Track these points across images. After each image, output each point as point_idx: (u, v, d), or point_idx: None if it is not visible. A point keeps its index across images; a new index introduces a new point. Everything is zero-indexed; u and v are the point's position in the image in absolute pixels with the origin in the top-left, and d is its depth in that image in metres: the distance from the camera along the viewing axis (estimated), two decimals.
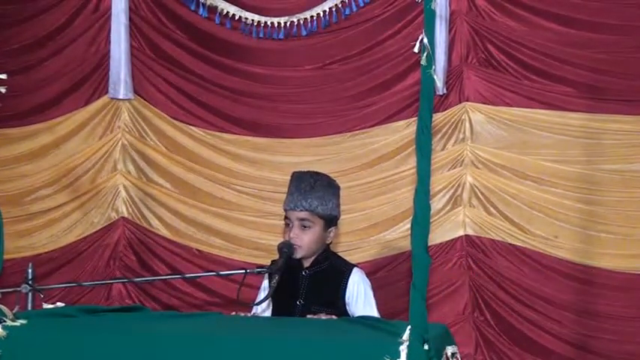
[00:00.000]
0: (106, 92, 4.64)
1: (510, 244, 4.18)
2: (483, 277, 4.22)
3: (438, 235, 4.24)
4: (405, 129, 4.31)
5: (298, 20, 4.39)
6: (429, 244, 2.31)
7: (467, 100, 4.23)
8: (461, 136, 4.25)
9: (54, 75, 4.70)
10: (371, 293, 3.21)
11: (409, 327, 2.04)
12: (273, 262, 3.19)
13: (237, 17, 4.47)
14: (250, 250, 4.48)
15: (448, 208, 4.26)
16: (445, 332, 2.40)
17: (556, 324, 4.11)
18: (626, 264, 4.03)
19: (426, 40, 2.07)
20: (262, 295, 3.24)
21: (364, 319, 2.58)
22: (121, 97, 4.59)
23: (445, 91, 4.22)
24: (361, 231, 4.35)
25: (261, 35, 4.45)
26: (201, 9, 4.50)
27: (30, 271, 3.43)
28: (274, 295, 3.01)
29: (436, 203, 4.22)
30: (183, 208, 4.60)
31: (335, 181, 3.30)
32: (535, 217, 4.15)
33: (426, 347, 2.03)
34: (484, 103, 4.22)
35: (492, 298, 4.20)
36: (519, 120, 4.17)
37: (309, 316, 3.03)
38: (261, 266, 3.13)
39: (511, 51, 4.17)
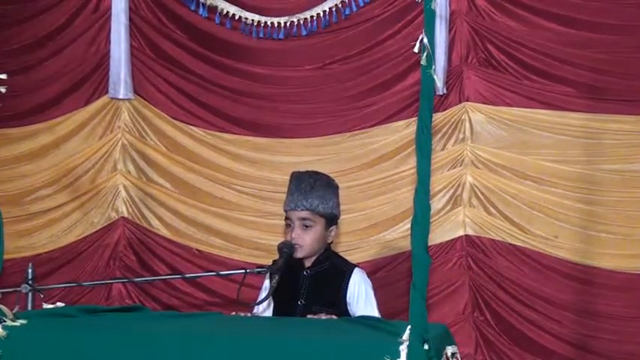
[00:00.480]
0: (106, 92, 4.64)
1: (510, 244, 4.18)
2: (483, 277, 4.22)
3: (438, 235, 4.24)
4: (405, 129, 4.31)
5: (298, 20, 4.39)
6: (429, 244, 2.31)
7: (467, 100, 4.23)
8: (461, 136, 4.25)
9: (54, 75, 4.70)
10: (372, 293, 3.22)
11: (409, 327, 2.04)
12: (274, 261, 3.19)
13: (237, 17, 4.47)
14: (250, 250, 4.48)
15: (448, 208, 4.26)
16: (445, 332, 2.40)
17: (556, 324, 4.11)
18: (626, 264, 4.03)
19: (426, 40, 2.07)
20: (263, 295, 3.24)
21: (364, 319, 2.58)
22: (121, 97, 4.60)
23: (445, 91, 4.22)
24: (361, 231, 4.35)
25: (261, 35, 4.45)
26: (201, 9, 4.50)
27: (30, 271, 3.43)
28: (275, 295, 3.01)
29: (436, 203, 4.23)
30: (183, 208, 4.61)
31: (334, 180, 3.30)
32: (535, 217, 4.15)
33: (426, 347, 2.03)
34: (484, 103, 4.22)
35: (492, 298, 4.20)
36: (519, 120, 4.17)
37: (309, 316, 3.03)
38: (261, 266, 3.13)
39: (511, 51, 4.17)
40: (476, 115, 4.23)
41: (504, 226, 4.18)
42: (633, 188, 4.04)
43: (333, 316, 2.95)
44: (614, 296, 4.05)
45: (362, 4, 4.31)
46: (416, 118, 2.69)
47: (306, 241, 3.16)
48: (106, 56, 4.62)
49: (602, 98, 4.05)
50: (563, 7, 4.09)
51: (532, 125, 4.16)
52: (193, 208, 4.59)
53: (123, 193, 4.72)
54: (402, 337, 2.04)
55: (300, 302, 3.17)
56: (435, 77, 2.10)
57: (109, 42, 4.59)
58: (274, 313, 3.21)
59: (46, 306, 2.56)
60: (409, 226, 2.40)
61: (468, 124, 4.24)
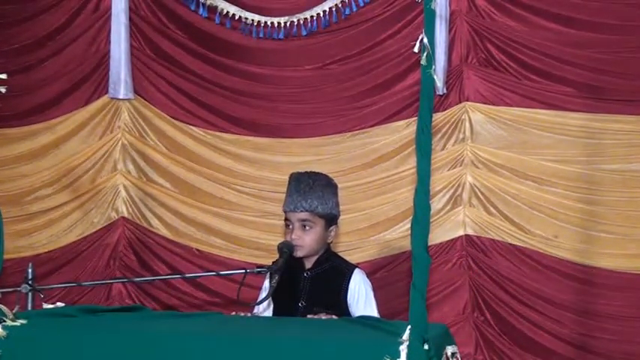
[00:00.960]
0: (106, 92, 4.64)
1: (510, 244, 4.18)
2: (483, 277, 4.22)
3: (438, 235, 4.24)
4: (405, 129, 4.31)
5: (298, 20, 4.39)
6: (429, 244, 2.31)
7: (467, 100, 4.23)
8: (461, 135, 4.25)
9: (54, 75, 4.70)
10: (372, 294, 3.21)
11: (409, 327, 2.04)
12: (274, 262, 3.19)
13: (237, 17, 4.47)
14: (250, 250, 4.48)
15: (448, 208, 4.26)
16: (445, 332, 2.40)
17: (556, 324, 4.11)
18: (626, 264, 4.03)
19: (426, 40, 2.07)
20: (263, 295, 3.24)
21: (364, 319, 2.58)
22: (121, 97, 4.60)
23: (445, 91, 4.22)
24: (361, 231, 4.35)
25: (261, 35, 4.45)
26: (201, 9, 4.50)
27: (30, 271, 3.44)
28: (276, 297, 3.01)
29: (436, 203, 4.23)
30: (183, 208, 4.61)
31: (333, 180, 3.30)
32: (535, 217, 4.15)
33: (426, 347, 2.03)
34: (484, 103, 4.22)
35: (492, 298, 4.20)
36: (519, 120, 4.17)
37: (309, 316, 3.03)
38: (261, 266, 3.13)
39: (511, 51, 4.17)
40: (476, 115, 4.23)
41: (504, 226, 4.18)
42: (633, 188, 4.03)
43: (333, 316, 2.95)
44: (614, 296, 4.05)
45: (362, 4, 4.31)
46: (416, 118, 2.69)
47: (306, 242, 3.16)
48: (106, 56, 4.63)
49: (602, 98, 4.05)
50: (563, 7, 4.09)
51: (532, 125, 4.16)
52: (193, 208, 4.59)
53: (123, 193, 4.72)
54: (402, 337, 2.04)
55: (301, 304, 3.17)
56: (435, 77, 2.10)
57: (109, 42, 4.59)
58: (274, 314, 3.21)
59: (46, 306, 2.56)
60: (409, 226, 2.41)
61: (467, 124, 4.24)
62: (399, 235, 4.30)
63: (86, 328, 2.37)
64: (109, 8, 4.58)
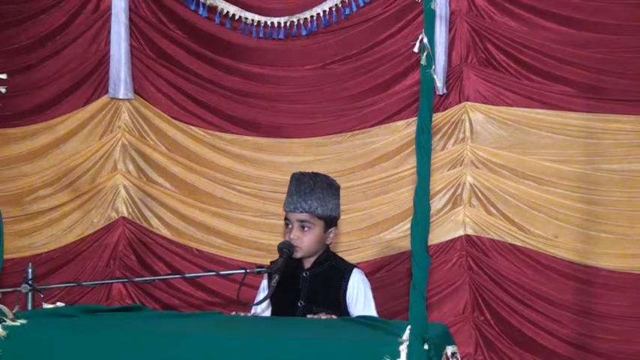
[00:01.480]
0: (106, 92, 4.64)
1: (510, 243, 4.18)
2: (483, 277, 4.22)
3: (438, 235, 4.24)
4: (405, 129, 4.31)
5: (298, 20, 4.39)
6: (429, 244, 2.32)
7: (467, 100, 4.23)
8: (461, 135, 4.25)
9: (54, 75, 4.70)
10: (371, 294, 3.21)
11: (409, 327, 2.04)
12: (272, 262, 3.19)
13: (237, 17, 4.47)
14: (250, 250, 4.48)
15: (448, 207, 4.27)
16: (445, 332, 2.40)
17: (556, 324, 4.11)
18: (626, 264, 4.03)
19: (426, 40, 2.07)
20: (261, 295, 3.24)
21: (364, 319, 2.58)
22: (121, 97, 4.60)
23: (445, 91, 4.22)
24: (361, 231, 4.35)
25: (261, 35, 4.45)
26: (201, 9, 4.51)
27: (30, 271, 3.44)
28: (274, 297, 3.01)
29: (436, 203, 4.23)
30: (183, 208, 4.61)
31: (335, 181, 3.29)
32: (535, 217, 4.15)
33: (425, 347, 2.03)
34: (484, 103, 4.22)
35: (492, 298, 4.20)
36: (519, 120, 4.17)
37: (309, 316, 3.03)
38: (261, 266, 3.13)
39: (511, 51, 4.17)
40: (476, 115, 4.24)
41: (504, 226, 4.18)
42: (633, 188, 4.04)
43: (333, 316, 2.95)
44: (614, 296, 4.05)
45: (362, 4, 4.31)
46: (416, 118, 2.70)
47: (304, 243, 3.16)
48: (106, 56, 4.63)
49: (602, 98, 4.05)
50: (563, 7, 4.09)
51: (532, 125, 4.16)
52: (193, 208, 4.59)
53: (123, 193, 4.72)
54: (402, 337, 2.04)
55: (300, 303, 3.17)
56: (435, 77, 2.10)
57: (109, 42, 4.59)
58: (273, 313, 3.21)
59: (46, 306, 2.56)
60: (409, 226, 2.41)
61: (467, 124, 4.24)
62: (399, 235, 4.30)
63: (86, 328, 2.37)
64: (109, 8, 4.58)
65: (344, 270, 3.22)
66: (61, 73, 4.70)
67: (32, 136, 4.74)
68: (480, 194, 4.23)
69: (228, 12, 4.48)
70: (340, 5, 4.33)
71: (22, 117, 4.72)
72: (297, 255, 3.15)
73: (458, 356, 2.33)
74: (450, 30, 4.20)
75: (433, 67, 2.09)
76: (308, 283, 3.20)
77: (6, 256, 3.62)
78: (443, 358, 2.23)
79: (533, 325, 4.14)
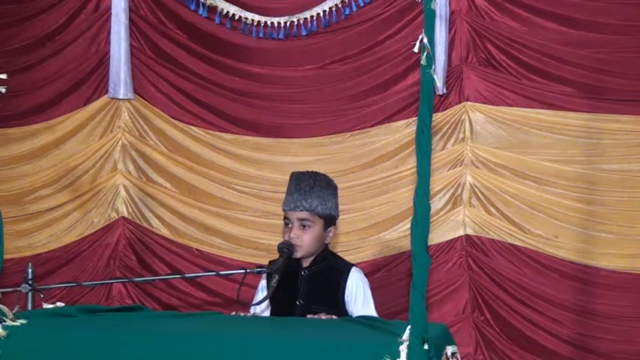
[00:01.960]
0: (106, 92, 4.64)
1: (510, 244, 4.18)
2: (483, 277, 4.22)
3: (438, 235, 4.24)
4: (405, 129, 4.31)
5: (298, 20, 4.39)
6: (429, 244, 2.32)
7: (467, 100, 4.23)
8: (461, 135, 4.25)
9: (54, 75, 4.70)
10: (369, 293, 3.21)
11: (409, 327, 2.04)
12: (271, 261, 3.19)
13: (237, 17, 4.47)
14: (250, 250, 4.48)
15: (448, 207, 4.27)
16: (445, 332, 2.40)
17: (556, 324, 4.11)
18: (626, 264, 4.03)
19: (426, 40, 2.07)
20: (260, 295, 3.24)
21: (364, 319, 2.58)
22: (121, 97, 4.60)
23: (445, 91, 4.22)
24: (361, 231, 4.35)
25: (261, 35, 4.45)
26: (201, 9, 4.51)
27: (30, 271, 3.44)
28: (273, 295, 3.01)
29: (436, 203, 4.23)
30: (183, 208, 4.61)
31: (333, 180, 3.29)
32: (535, 217, 4.15)
33: (425, 347, 2.03)
34: (484, 103, 4.22)
35: (492, 298, 4.20)
36: (519, 120, 4.17)
37: (309, 316, 3.03)
38: (261, 266, 3.13)
39: (511, 51, 4.17)
40: (476, 114, 4.24)
41: (504, 226, 4.18)
42: (633, 188, 4.04)
43: (333, 316, 2.95)
44: (614, 296, 4.05)
45: (362, 4, 4.31)
46: (416, 118, 2.70)
47: (304, 241, 3.16)
48: (106, 56, 4.63)
49: (602, 98, 4.05)
50: (563, 7, 4.09)
51: (532, 125, 4.16)
52: (193, 208, 4.59)
53: (123, 193, 4.72)
54: (402, 337, 2.04)
55: (299, 302, 3.17)
56: (435, 77, 2.10)
57: (109, 42, 4.59)
58: (272, 313, 3.21)
59: (46, 306, 2.56)
60: (409, 226, 2.41)
61: (467, 124, 4.24)
62: (399, 235, 4.30)
63: (86, 328, 2.37)
64: (109, 8, 4.58)
65: (343, 269, 3.22)
66: (60, 73, 4.70)
67: (32, 136, 4.74)
68: (479, 194, 4.23)
69: (228, 12, 4.48)
70: (340, 5, 4.33)
71: (22, 117, 4.72)
72: (298, 255, 3.16)
73: (458, 356, 2.33)
74: (450, 30, 4.20)
75: (433, 67, 2.09)
76: (307, 282, 3.20)
77: (6, 256, 3.61)
78: (443, 358, 2.23)
79: (533, 325, 4.14)
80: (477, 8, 4.21)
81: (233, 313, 3.05)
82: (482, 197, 4.23)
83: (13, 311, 2.36)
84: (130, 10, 4.60)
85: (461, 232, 4.26)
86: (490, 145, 4.22)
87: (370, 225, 4.35)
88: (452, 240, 4.27)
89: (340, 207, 3.32)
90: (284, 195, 3.25)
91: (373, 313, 3.15)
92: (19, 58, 4.70)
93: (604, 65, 4.04)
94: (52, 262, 4.67)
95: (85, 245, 4.70)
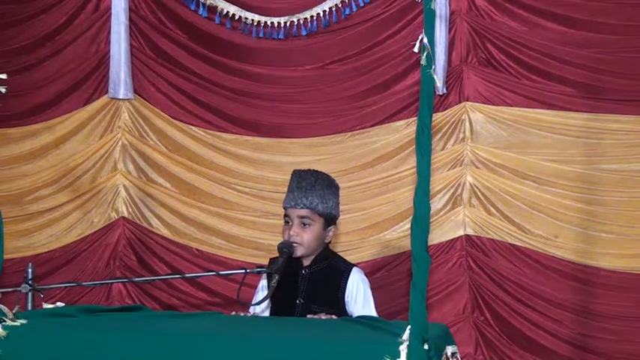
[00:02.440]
0: (106, 92, 4.64)
1: (510, 244, 4.18)
2: (483, 277, 4.22)
3: (438, 235, 4.24)
4: (405, 129, 4.31)
5: (298, 20, 4.39)
6: (429, 244, 2.32)
7: (467, 100, 4.23)
8: (461, 135, 4.25)
9: (54, 75, 4.70)
10: (370, 293, 3.21)
11: (409, 327, 2.04)
12: (271, 260, 3.19)
13: (237, 17, 4.47)
14: (250, 250, 4.48)
15: (448, 207, 4.27)
16: (445, 332, 2.40)
17: (556, 324, 4.11)
18: (626, 264, 4.03)
19: (426, 40, 2.07)
20: (260, 295, 3.24)
21: (364, 319, 2.58)
22: (121, 97, 4.60)
23: (445, 91, 4.22)
24: (361, 231, 4.35)
25: (261, 35, 4.45)
26: (201, 9, 4.51)
27: (30, 271, 3.44)
28: (273, 295, 3.01)
29: (436, 203, 4.23)
30: (183, 208, 4.61)
31: (334, 180, 3.30)
32: (535, 217, 4.15)
33: (425, 347, 2.04)
34: (484, 103, 4.22)
35: (492, 298, 4.20)
36: (519, 120, 4.17)
37: (309, 315, 3.03)
38: (261, 266, 3.13)
39: (511, 51, 4.17)
40: (476, 114, 4.24)
41: (504, 226, 4.18)
42: (633, 188, 4.04)
43: (333, 316, 2.95)
44: (614, 296, 4.05)
45: (362, 4, 4.31)
46: (416, 118, 2.70)
47: (304, 239, 3.16)
48: (106, 56, 4.63)
49: (602, 98, 4.05)
50: (563, 7, 4.09)
51: (532, 125, 4.16)
52: (193, 208, 4.59)
53: (123, 193, 4.72)
54: (402, 337, 2.04)
55: (299, 301, 3.17)
56: (435, 77, 2.10)
57: (109, 42, 4.59)
58: (272, 312, 3.21)
59: (46, 306, 2.56)
60: (409, 226, 2.40)
61: (467, 124, 4.24)
62: (399, 235, 4.30)
63: (86, 328, 2.37)
64: (109, 8, 4.58)
65: (343, 269, 3.22)
66: (60, 73, 4.70)
67: (32, 136, 4.74)
68: (479, 194, 4.23)
69: (228, 12, 4.48)
70: (340, 5, 4.33)
71: (22, 117, 4.72)
72: (298, 253, 3.15)
73: (458, 356, 2.33)
74: (450, 30, 4.20)
75: (433, 67, 2.09)
76: (307, 281, 3.20)
77: (6, 256, 3.61)
78: (443, 358, 2.23)
79: (533, 325, 4.14)
80: (477, 8, 4.21)
81: (233, 313, 3.05)
82: (482, 197, 4.23)
83: (13, 311, 2.36)
84: (130, 10, 4.59)
85: (461, 232, 4.26)
86: (490, 145, 4.22)
87: (370, 225, 4.35)
88: (452, 240, 4.27)
89: (340, 207, 3.32)
90: (284, 195, 3.25)
91: (373, 313, 3.15)
92: (19, 58, 4.70)
93: (604, 65, 4.04)
94: (52, 262, 4.67)
95: (85, 245, 4.70)
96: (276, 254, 3.13)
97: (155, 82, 4.64)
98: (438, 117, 4.19)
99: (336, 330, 2.48)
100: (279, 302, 3.17)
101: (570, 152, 4.11)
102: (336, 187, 3.27)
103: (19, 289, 3.09)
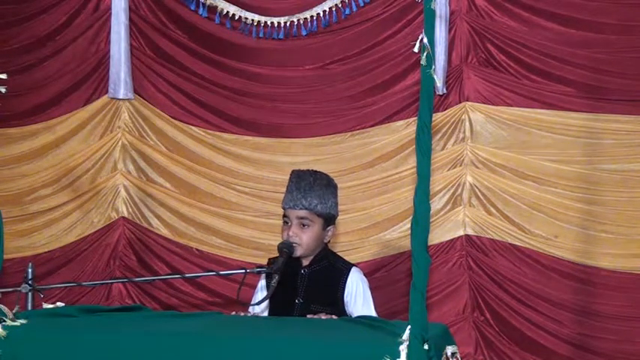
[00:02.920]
0: (106, 92, 4.64)
1: (510, 244, 4.18)
2: (483, 277, 4.22)
3: (438, 235, 4.24)
4: (404, 129, 4.31)
5: (298, 20, 4.39)
6: (429, 244, 2.32)
7: (467, 100, 4.23)
8: (461, 135, 4.25)
9: (54, 75, 4.70)
10: (369, 293, 3.22)
11: (409, 327, 2.04)
12: (270, 260, 3.19)
13: (237, 17, 4.47)
14: (250, 250, 4.48)
15: (448, 207, 4.27)
16: (445, 332, 2.40)
17: (556, 324, 4.11)
18: (626, 264, 4.03)
19: (425, 40, 2.07)
20: (259, 295, 3.24)
21: (364, 319, 2.58)
22: (121, 96, 4.60)
23: (445, 91, 4.22)
24: (361, 231, 4.35)
25: (261, 35, 4.45)
26: (201, 9, 4.51)
27: (30, 271, 3.44)
28: (273, 294, 3.01)
29: (436, 203, 4.23)
30: (183, 208, 4.61)
31: (333, 179, 3.30)
32: (535, 217, 4.15)
33: (425, 347, 2.03)
34: (484, 103, 4.22)
35: (492, 298, 4.20)
36: (519, 120, 4.17)
37: (308, 315, 3.03)
38: (261, 266, 3.13)
39: (511, 51, 4.17)
40: (476, 114, 4.24)
41: (504, 226, 4.18)
42: (633, 188, 4.04)
43: (333, 316, 2.95)
44: (614, 296, 4.05)
45: (362, 4, 4.31)
46: (416, 118, 2.69)
47: (303, 240, 3.16)
48: (106, 56, 4.63)
49: (602, 98, 4.05)
50: (563, 7, 4.09)
51: (532, 125, 4.16)
52: (193, 208, 4.59)
53: (123, 193, 4.72)
54: (402, 337, 2.04)
55: (298, 301, 3.17)
56: (435, 77, 2.10)
57: (109, 42, 4.59)
58: (271, 311, 3.21)
59: (46, 306, 2.56)
60: (409, 226, 2.40)
61: (467, 124, 4.24)
62: (399, 235, 4.30)
63: (86, 328, 2.37)
64: (109, 8, 4.58)
65: (342, 268, 3.22)
66: (61, 73, 4.70)
67: (32, 136, 4.74)
68: (479, 194, 4.23)
69: (228, 12, 4.48)
70: (340, 5, 4.33)
71: (22, 117, 4.72)
72: (297, 253, 3.16)
73: (458, 356, 2.33)
74: (450, 30, 4.20)
75: (433, 67, 2.09)
76: (306, 281, 3.20)
77: (6, 256, 3.62)
78: (443, 358, 2.23)
79: (533, 325, 4.14)
80: (477, 8, 4.21)
81: (233, 313, 3.05)
82: (482, 197, 4.23)
83: (13, 311, 2.36)
84: (130, 10, 4.60)
85: (461, 232, 4.26)
86: (490, 145, 4.22)
87: (370, 225, 4.35)
88: (452, 240, 4.27)
89: (340, 207, 3.32)
90: (284, 194, 3.25)
91: (373, 313, 3.15)
92: (19, 58, 4.70)
93: (604, 65, 4.04)
94: (52, 262, 4.67)
95: (85, 245, 4.70)
96: (276, 254, 3.14)
97: (155, 82, 4.64)
98: (438, 117, 4.19)
99: (336, 330, 2.48)
100: (279, 302, 3.17)
101: (570, 152, 4.11)
102: (335, 187, 3.27)
103: (19, 289, 3.09)
